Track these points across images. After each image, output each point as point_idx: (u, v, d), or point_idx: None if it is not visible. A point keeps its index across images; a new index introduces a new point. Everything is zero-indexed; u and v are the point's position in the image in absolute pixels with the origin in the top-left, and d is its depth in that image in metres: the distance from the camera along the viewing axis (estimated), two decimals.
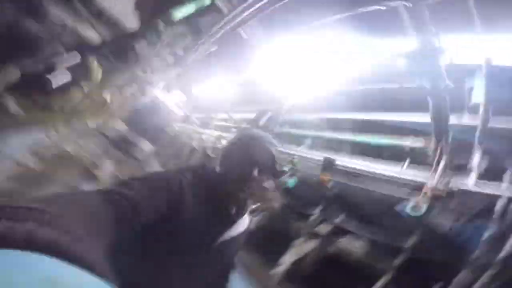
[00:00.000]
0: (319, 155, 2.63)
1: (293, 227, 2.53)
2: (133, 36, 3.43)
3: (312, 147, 3.06)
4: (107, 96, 3.87)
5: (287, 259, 2.24)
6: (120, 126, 4.68)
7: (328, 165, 2.33)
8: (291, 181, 2.16)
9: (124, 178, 1.01)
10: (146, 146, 4.81)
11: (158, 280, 0.78)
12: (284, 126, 3.27)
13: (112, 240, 0.46)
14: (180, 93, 5.49)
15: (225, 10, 3.09)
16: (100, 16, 3.03)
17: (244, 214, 0.99)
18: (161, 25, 3.36)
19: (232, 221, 0.94)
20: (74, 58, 3.04)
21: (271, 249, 2.37)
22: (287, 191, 2.34)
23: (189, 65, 4.13)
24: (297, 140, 3.21)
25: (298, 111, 3.02)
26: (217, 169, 0.98)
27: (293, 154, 2.79)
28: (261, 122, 2.82)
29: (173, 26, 3.44)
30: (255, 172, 0.88)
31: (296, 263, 2.23)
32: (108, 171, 3.43)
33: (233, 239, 0.94)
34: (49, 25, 2.67)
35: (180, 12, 3.25)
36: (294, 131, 3.30)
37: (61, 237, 0.25)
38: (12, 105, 2.69)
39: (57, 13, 2.68)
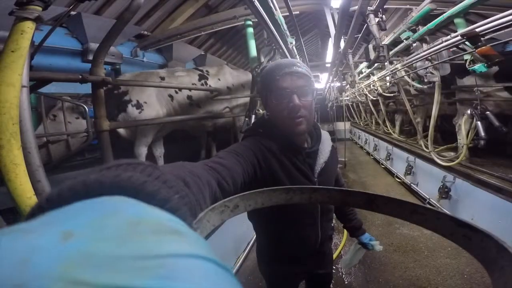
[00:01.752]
0: None
1: None
2: None
3: None
4: None
5: None
6: None
7: None
8: None
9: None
10: None
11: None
12: None
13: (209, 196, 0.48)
14: None
15: None
16: None
17: (318, 135, 1.04)
18: None
19: (314, 149, 1.00)
20: None
21: None
22: None
23: None
24: None
25: None
26: (265, 116, 1.03)
27: None
28: None
29: None
30: (293, 98, 0.87)
31: None
32: None
33: (327, 163, 1.02)
34: None
35: None
36: None
37: (149, 181, 0.24)
38: None
39: None
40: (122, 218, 0.17)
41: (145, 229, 0.16)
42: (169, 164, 0.47)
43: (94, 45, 3.07)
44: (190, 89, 3.26)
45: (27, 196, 0.78)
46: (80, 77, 1.48)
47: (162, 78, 3.21)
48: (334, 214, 1.26)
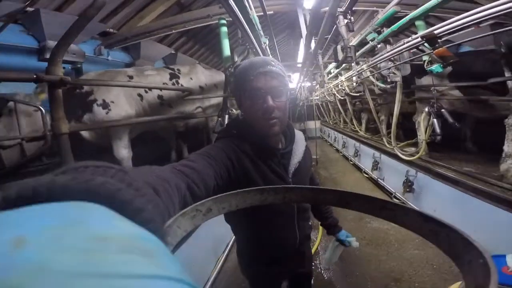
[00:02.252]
0: None
1: None
2: None
3: None
4: None
5: None
6: None
7: None
8: None
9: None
10: None
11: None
12: None
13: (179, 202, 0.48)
14: None
15: None
16: None
17: (292, 135, 1.05)
18: None
19: (288, 150, 1.00)
20: None
21: None
22: None
23: None
24: None
25: None
26: (240, 116, 1.03)
27: None
28: None
29: None
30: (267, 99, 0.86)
31: None
32: None
33: (301, 163, 1.02)
34: None
35: None
36: None
37: (124, 189, 0.22)
38: None
39: None
40: (87, 229, 0.15)
41: (113, 247, 0.14)
42: (136, 168, 0.45)
43: (52, 43, 2.83)
44: (160, 89, 3.14)
45: None
46: (35, 76, 1.35)
47: (131, 77, 3.04)
48: (311, 213, 1.26)
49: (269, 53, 4.11)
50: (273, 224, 1.01)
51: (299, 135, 1.08)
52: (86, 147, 2.95)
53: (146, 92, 3.07)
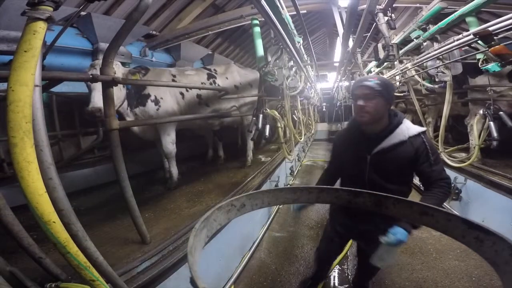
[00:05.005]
0: None
1: None
2: None
3: None
4: None
5: None
6: None
7: None
8: None
9: None
10: None
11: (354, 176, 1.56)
12: None
13: None
14: None
15: None
16: None
17: (391, 131, 1.46)
18: None
19: (381, 137, 1.47)
20: None
21: None
22: None
23: None
24: None
25: None
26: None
27: None
28: None
29: None
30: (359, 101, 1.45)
31: None
32: None
33: (387, 149, 1.45)
34: None
35: None
36: None
37: None
38: None
39: None
40: None
41: None
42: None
43: (104, 45, 3.12)
44: (199, 88, 3.28)
45: (39, 193, 0.80)
46: (91, 76, 1.50)
47: (174, 76, 3.23)
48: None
49: (303, 52, 4.06)
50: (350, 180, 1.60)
51: (404, 130, 1.45)
52: (133, 141, 3.19)
53: (187, 91, 3.23)
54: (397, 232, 1.24)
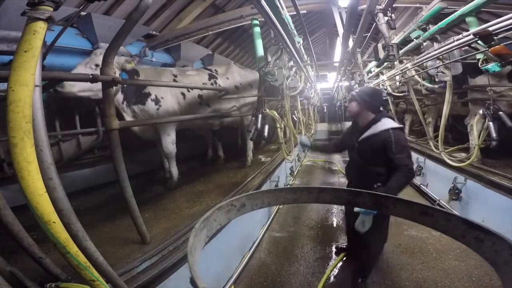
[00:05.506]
0: None
1: None
2: None
3: None
4: None
5: None
6: None
7: None
8: None
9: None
10: None
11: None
12: None
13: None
14: None
15: None
16: None
17: (371, 124, 1.97)
18: None
19: (364, 130, 2.01)
20: None
21: None
22: None
23: None
24: None
25: None
26: None
27: None
28: None
29: None
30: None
31: None
32: None
33: (367, 139, 1.98)
34: None
35: None
36: None
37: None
38: None
39: None
40: None
41: None
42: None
43: (104, 45, 3.11)
44: (200, 89, 3.28)
45: (39, 193, 0.80)
46: (91, 76, 1.50)
47: (175, 76, 3.22)
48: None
49: (303, 52, 4.06)
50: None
51: (379, 126, 1.93)
52: (133, 141, 3.19)
53: (188, 91, 3.22)
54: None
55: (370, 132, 1.94)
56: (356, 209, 1.71)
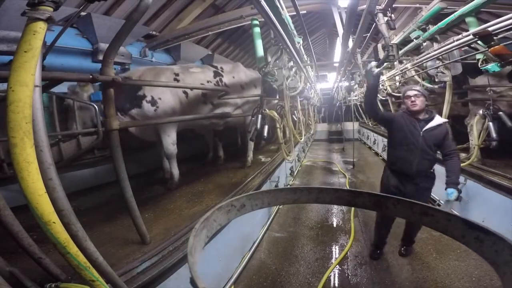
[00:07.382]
0: None
1: None
2: None
3: None
4: None
5: None
6: None
7: None
8: None
9: None
10: None
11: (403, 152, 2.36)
12: None
13: None
14: None
15: None
16: None
17: (429, 117, 2.30)
18: None
19: (424, 121, 2.28)
20: None
21: None
22: None
23: None
24: None
25: None
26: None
27: None
28: None
29: None
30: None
31: None
32: None
33: (430, 129, 2.25)
34: None
35: None
36: None
37: None
38: None
39: None
40: None
41: None
42: None
43: (104, 45, 3.10)
44: (198, 89, 3.25)
45: (39, 193, 0.80)
46: (91, 77, 1.50)
47: (177, 75, 3.16)
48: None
49: (303, 53, 4.05)
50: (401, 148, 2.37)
51: (438, 119, 2.29)
52: (133, 141, 3.18)
53: (191, 90, 3.16)
54: (448, 193, 2.17)
55: (434, 123, 2.25)
56: (445, 198, 2.22)
